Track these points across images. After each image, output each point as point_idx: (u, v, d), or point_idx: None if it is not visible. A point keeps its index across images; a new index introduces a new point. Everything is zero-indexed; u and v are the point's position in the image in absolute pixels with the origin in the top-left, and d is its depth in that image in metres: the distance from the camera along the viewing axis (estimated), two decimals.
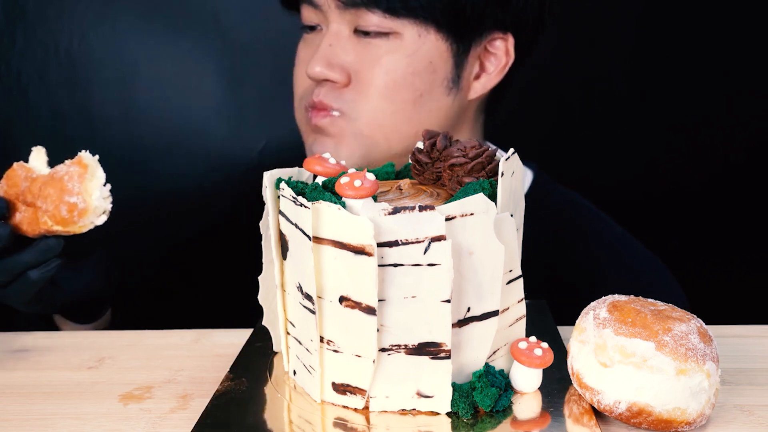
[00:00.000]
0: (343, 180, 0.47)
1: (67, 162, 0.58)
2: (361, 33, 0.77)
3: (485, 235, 0.46)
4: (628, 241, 0.90)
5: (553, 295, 0.73)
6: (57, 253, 0.60)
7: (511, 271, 0.50)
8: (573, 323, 0.52)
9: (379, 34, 0.77)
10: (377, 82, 0.77)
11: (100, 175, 0.57)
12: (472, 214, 0.46)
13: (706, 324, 0.49)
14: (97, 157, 0.58)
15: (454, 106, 0.81)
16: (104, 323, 0.80)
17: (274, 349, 0.59)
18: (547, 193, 0.89)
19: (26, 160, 0.60)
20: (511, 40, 0.81)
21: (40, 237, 0.59)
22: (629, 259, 0.89)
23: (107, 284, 0.75)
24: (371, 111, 0.78)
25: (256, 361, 0.57)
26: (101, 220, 0.57)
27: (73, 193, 0.56)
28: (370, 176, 0.47)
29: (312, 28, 0.82)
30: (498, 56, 0.81)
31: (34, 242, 0.59)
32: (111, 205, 0.58)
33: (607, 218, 0.91)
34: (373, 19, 0.76)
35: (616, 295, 0.51)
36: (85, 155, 0.58)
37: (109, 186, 0.57)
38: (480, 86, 0.82)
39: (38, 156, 0.60)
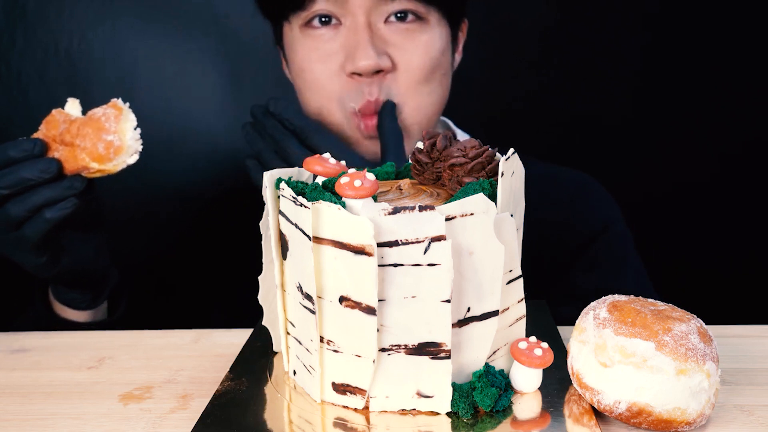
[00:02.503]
0: (343, 180, 0.47)
1: (102, 106, 0.64)
2: (397, 19, 0.80)
3: (485, 235, 0.46)
4: (552, 168, 0.96)
5: (553, 295, 0.73)
6: (79, 191, 0.65)
7: (511, 271, 0.50)
8: (573, 323, 0.52)
9: (415, 19, 0.80)
10: (418, 63, 0.80)
11: (132, 118, 0.65)
12: (472, 214, 0.46)
13: (706, 324, 0.49)
14: (128, 104, 0.65)
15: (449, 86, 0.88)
16: (101, 314, 0.80)
17: (274, 349, 0.59)
18: None
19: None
20: (467, 23, 0.90)
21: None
22: (559, 176, 0.95)
23: (108, 265, 0.77)
24: (420, 94, 0.82)
25: (256, 361, 0.57)
26: (133, 159, 0.64)
27: (110, 132, 0.63)
28: (370, 176, 0.47)
29: (325, 22, 0.81)
30: (461, 38, 0.90)
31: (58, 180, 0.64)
32: (142, 147, 0.64)
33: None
34: (408, 4, 0.79)
35: (616, 295, 0.51)
36: (118, 101, 0.65)
37: (139, 129, 0.64)
38: (455, 65, 0.89)
39: (73, 105, 0.67)
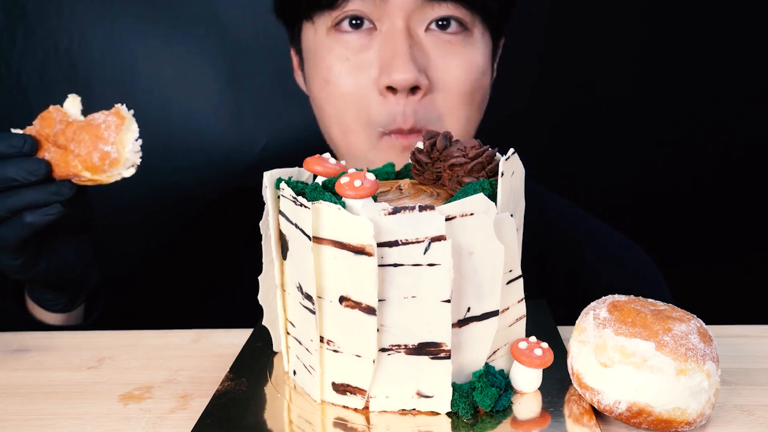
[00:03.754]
0: (343, 180, 0.47)
1: (104, 112, 0.59)
2: (438, 27, 0.71)
3: (485, 235, 0.46)
4: (614, 235, 0.91)
5: (553, 295, 0.73)
6: (65, 198, 0.59)
7: (511, 271, 0.50)
8: (573, 323, 0.52)
9: (459, 29, 0.72)
10: (458, 82, 0.73)
11: (135, 129, 0.59)
12: (472, 214, 0.46)
13: (706, 324, 0.49)
14: (132, 111, 0.59)
15: None
16: (75, 318, 0.77)
17: (274, 349, 0.59)
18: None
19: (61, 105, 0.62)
20: (503, 39, 0.83)
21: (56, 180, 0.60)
22: (617, 252, 0.89)
23: (87, 271, 0.72)
24: (457, 119, 0.74)
25: (256, 361, 0.57)
26: (129, 172, 0.59)
27: (108, 142, 0.57)
28: (370, 176, 0.47)
29: (356, 25, 0.72)
30: (497, 55, 0.83)
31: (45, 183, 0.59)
32: (140, 160, 0.59)
33: (585, 213, 0.92)
34: (453, 10, 0.71)
35: (616, 295, 0.51)
36: (122, 108, 0.59)
37: (140, 141, 0.59)
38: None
39: (74, 103, 0.62)
